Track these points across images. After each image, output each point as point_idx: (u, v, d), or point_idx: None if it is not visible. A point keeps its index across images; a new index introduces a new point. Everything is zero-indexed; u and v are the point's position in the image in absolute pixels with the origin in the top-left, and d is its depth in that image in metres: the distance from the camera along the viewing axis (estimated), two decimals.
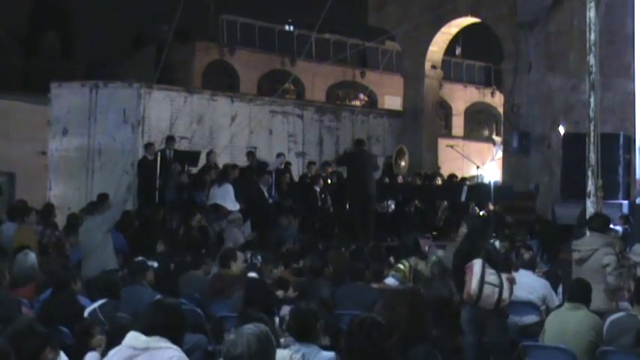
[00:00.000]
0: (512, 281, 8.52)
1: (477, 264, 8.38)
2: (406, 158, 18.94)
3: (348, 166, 17.27)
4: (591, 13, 9.45)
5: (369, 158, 16.82)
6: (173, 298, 7.93)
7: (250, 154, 18.38)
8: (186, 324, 5.28)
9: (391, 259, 12.06)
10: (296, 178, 18.91)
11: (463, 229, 9.61)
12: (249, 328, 4.35)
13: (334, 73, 36.06)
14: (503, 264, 8.98)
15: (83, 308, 8.24)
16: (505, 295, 8.35)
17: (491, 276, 8.35)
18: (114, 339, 5.47)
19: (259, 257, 11.64)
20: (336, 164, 19.09)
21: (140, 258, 10.03)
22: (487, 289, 8.29)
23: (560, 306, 8.41)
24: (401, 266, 10.67)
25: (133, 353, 4.97)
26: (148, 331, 5.02)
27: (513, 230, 15.76)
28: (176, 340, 5.03)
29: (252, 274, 9.73)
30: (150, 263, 9.67)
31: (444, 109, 36.16)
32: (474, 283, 8.32)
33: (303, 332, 5.94)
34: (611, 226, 13.43)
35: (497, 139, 27.06)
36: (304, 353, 5.81)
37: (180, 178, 16.50)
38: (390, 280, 10.27)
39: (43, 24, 37.89)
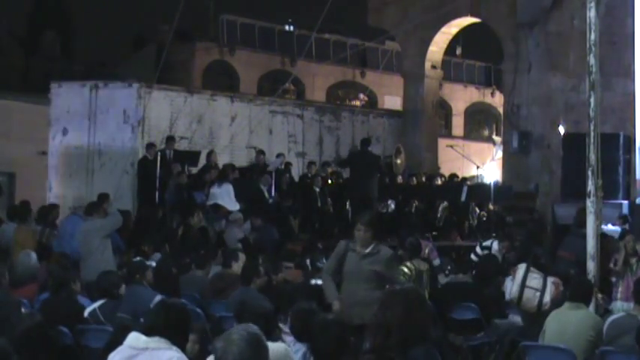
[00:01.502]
0: (558, 285, 8.57)
1: (521, 268, 8.60)
2: (402, 157, 18.97)
3: (350, 167, 17.27)
4: (591, 13, 9.45)
5: (371, 159, 16.81)
6: (176, 299, 7.95)
7: (260, 153, 18.32)
8: (190, 325, 5.28)
9: None
10: (296, 178, 18.91)
11: (361, 233, 8.02)
12: (237, 332, 4.14)
13: (334, 73, 36.08)
14: (552, 268, 9.06)
15: (83, 308, 8.25)
16: (547, 298, 8.45)
17: (534, 280, 8.49)
18: (117, 339, 5.49)
19: (324, 260, 11.51)
20: (339, 165, 19.10)
21: (139, 258, 10.03)
22: (528, 292, 8.43)
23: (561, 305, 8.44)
24: (406, 270, 10.35)
25: (133, 353, 4.98)
26: (149, 332, 5.03)
27: (512, 230, 15.76)
28: (178, 341, 5.03)
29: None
30: (149, 263, 9.68)
31: (444, 109, 36.18)
32: (514, 287, 8.52)
33: (304, 332, 5.99)
34: (610, 225, 13.49)
35: (497, 139, 27.07)
36: (305, 352, 5.87)
37: (179, 179, 16.50)
38: None
39: (43, 24, 37.91)
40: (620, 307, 8.90)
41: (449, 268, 12.57)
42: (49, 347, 5.20)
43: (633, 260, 9.56)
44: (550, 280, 8.55)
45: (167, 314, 5.10)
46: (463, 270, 10.77)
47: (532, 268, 8.58)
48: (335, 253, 8.33)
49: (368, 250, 7.99)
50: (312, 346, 5.32)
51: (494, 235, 14.29)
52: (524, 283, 8.48)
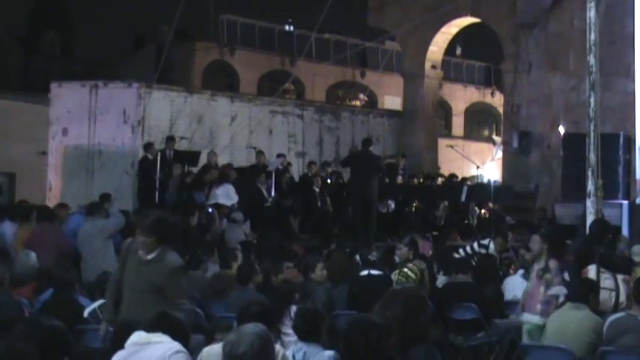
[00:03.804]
0: (629, 282, 8.52)
1: (592, 270, 8.46)
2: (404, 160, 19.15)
3: (350, 167, 17.29)
4: (591, 13, 9.47)
5: (372, 159, 16.79)
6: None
7: (260, 153, 18.35)
8: (189, 334, 5.46)
9: (396, 258, 11.89)
10: (296, 178, 18.91)
11: (141, 238, 6.95)
12: (250, 327, 4.45)
13: (334, 73, 36.06)
14: (621, 266, 8.96)
15: (83, 308, 8.24)
16: (622, 297, 8.39)
17: (606, 280, 8.41)
18: (120, 338, 5.55)
19: (374, 253, 11.41)
20: (341, 165, 19.13)
21: None
22: (603, 294, 8.31)
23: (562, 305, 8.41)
24: (411, 274, 9.89)
25: (136, 349, 5.15)
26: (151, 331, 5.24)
27: (507, 229, 15.72)
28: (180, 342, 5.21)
29: (376, 272, 9.45)
30: None
31: (444, 109, 36.19)
32: None
33: (308, 332, 6.07)
34: None
35: (497, 139, 27.08)
36: (305, 352, 5.92)
37: (183, 179, 16.51)
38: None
39: (42, 23, 37.89)
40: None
41: None
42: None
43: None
44: (620, 277, 8.46)
45: (167, 320, 5.30)
46: (463, 270, 10.73)
47: (602, 269, 8.45)
48: (121, 255, 7.37)
49: (150, 257, 6.85)
50: (344, 346, 5.19)
51: (493, 235, 14.27)
52: (599, 285, 8.34)
